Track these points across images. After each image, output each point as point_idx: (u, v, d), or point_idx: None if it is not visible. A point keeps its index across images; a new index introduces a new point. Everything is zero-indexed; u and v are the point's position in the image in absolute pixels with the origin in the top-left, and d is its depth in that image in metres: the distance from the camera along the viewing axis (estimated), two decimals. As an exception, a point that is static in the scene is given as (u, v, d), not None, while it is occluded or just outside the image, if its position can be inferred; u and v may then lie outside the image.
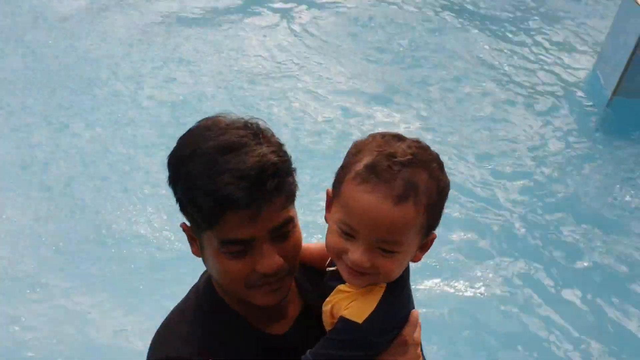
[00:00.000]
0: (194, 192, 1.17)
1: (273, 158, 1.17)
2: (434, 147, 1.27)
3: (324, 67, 5.78)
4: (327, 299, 1.30)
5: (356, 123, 5.12)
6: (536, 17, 6.73)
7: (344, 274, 1.24)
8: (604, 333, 3.78)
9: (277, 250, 1.22)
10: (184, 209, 1.25)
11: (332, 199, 1.27)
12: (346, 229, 1.21)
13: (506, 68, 5.88)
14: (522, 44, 6.29)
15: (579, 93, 5.63)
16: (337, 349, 1.23)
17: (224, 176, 1.13)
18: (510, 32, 6.45)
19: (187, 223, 1.28)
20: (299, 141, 4.87)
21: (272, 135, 1.26)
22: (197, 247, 1.28)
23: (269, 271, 1.21)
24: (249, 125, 1.23)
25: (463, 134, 5.08)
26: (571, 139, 5.12)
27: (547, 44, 6.29)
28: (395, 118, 5.24)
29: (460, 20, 6.53)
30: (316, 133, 5.01)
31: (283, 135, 1.31)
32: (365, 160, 1.18)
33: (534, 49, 6.23)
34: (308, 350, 1.25)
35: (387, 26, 6.37)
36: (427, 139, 3.88)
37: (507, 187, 4.65)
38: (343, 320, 1.23)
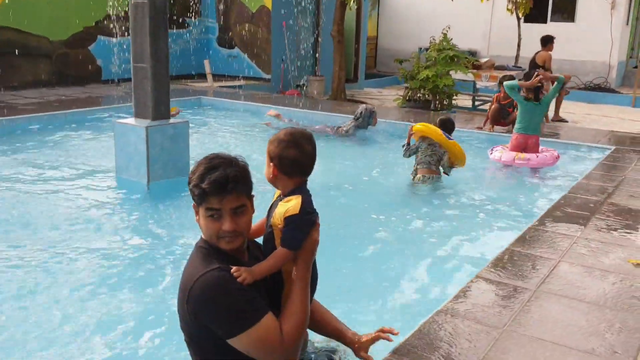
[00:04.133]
0: (197, 189, 2.30)
1: (232, 174, 2.29)
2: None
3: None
4: (275, 212, 2.41)
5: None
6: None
7: None
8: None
9: (235, 220, 2.31)
10: (193, 197, 2.35)
11: None
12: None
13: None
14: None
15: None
16: (293, 231, 2.35)
17: (209, 182, 2.28)
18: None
19: (195, 203, 2.38)
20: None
21: (244, 163, 2.40)
22: (197, 216, 2.39)
23: (228, 229, 2.30)
24: (232, 158, 2.38)
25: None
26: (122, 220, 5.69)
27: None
28: None
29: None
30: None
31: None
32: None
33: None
34: (279, 243, 2.37)
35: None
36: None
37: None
38: (288, 217, 2.34)
